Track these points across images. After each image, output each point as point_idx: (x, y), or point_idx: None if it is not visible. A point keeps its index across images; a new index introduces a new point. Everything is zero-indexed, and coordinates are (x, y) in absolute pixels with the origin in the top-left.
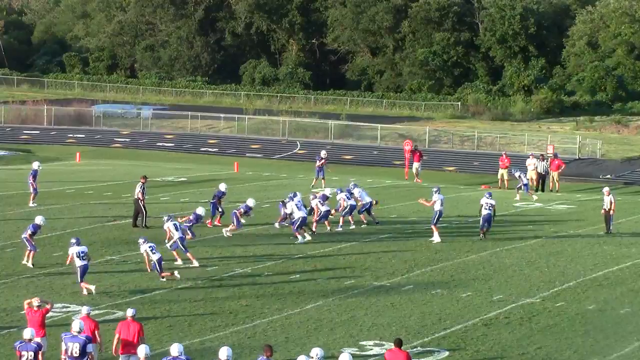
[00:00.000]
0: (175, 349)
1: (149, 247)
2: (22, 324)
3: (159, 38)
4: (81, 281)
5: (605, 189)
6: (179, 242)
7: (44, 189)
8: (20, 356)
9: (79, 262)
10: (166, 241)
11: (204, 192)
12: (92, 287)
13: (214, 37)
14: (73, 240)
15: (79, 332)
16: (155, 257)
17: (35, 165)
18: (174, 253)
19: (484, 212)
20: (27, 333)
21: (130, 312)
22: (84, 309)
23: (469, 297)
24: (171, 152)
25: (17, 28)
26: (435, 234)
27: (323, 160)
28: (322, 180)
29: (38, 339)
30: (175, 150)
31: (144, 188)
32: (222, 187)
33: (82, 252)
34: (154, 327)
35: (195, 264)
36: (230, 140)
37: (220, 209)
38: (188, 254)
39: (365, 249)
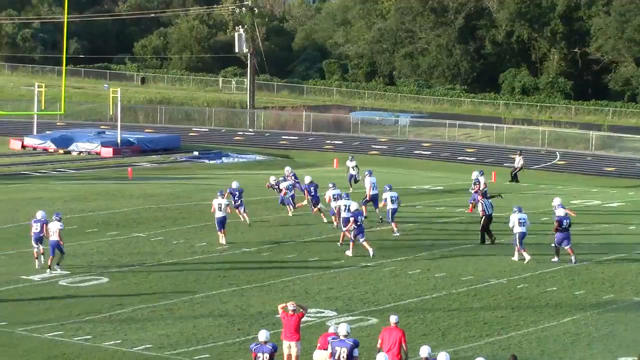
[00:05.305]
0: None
1: None
2: (278, 328)
3: (418, 46)
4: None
5: None
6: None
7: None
8: (256, 358)
9: (218, 214)
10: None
11: (460, 200)
12: None
13: (474, 45)
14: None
15: (346, 336)
16: None
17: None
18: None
19: None
20: (262, 335)
21: (393, 318)
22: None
23: None
24: (428, 161)
25: (279, 35)
26: None
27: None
28: None
29: (270, 344)
30: (433, 159)
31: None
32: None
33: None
34: (407, 335)
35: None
36: (488, 150)
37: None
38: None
39: (625, 263)
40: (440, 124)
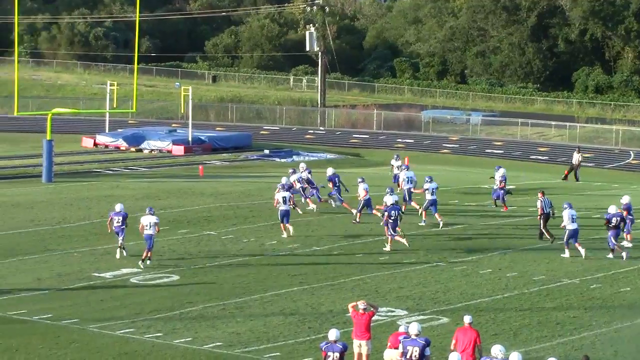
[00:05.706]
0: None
1: None
2: (348, 327)
3: (490, 44)
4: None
5: None
6: None
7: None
8: (326, 356)
9: (282, 207)
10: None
11: (531, 200)
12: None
13: (547, 44)
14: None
15: (417, 336)
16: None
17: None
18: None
19: None
20: (333, 334)
21: (467, 318)
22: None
23: None
24: (500, 159)
25: (349, 33)
26: None
27: None
28: None
29: (339, 344)
30: (504, 158)
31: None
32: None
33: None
34: None
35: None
36: (561, 149)
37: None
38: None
39: None
40: (512, 122)
